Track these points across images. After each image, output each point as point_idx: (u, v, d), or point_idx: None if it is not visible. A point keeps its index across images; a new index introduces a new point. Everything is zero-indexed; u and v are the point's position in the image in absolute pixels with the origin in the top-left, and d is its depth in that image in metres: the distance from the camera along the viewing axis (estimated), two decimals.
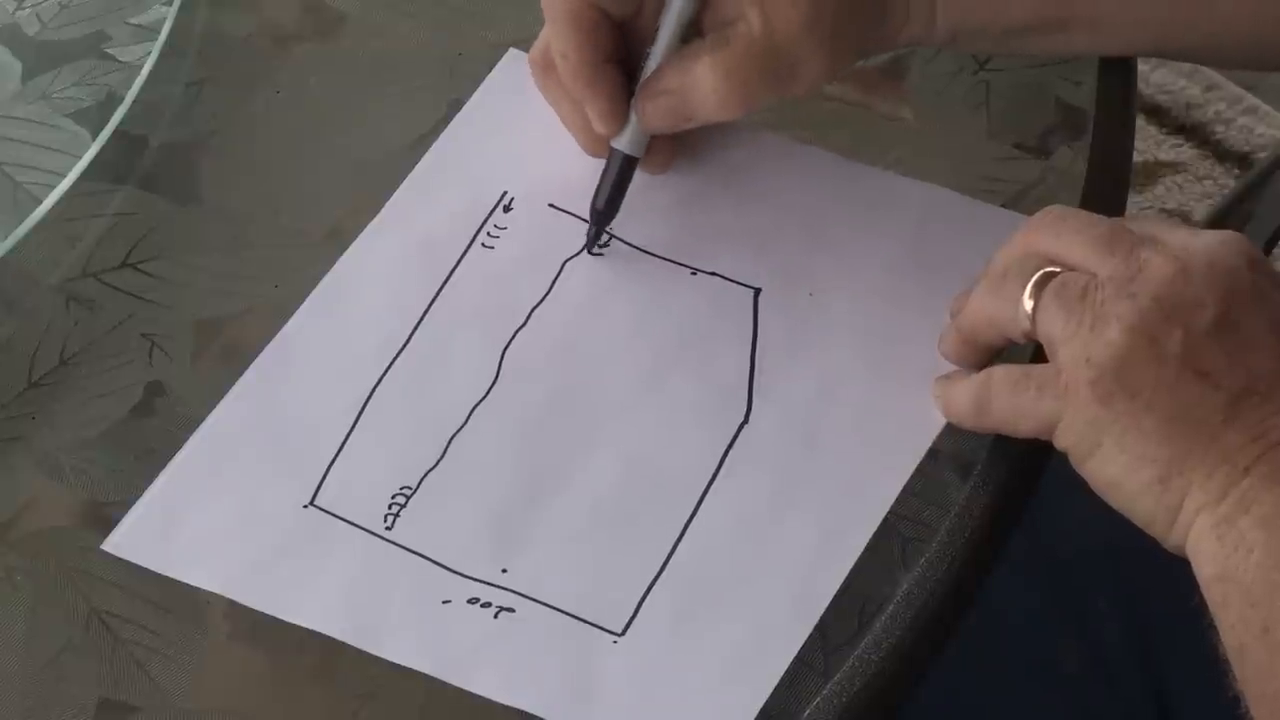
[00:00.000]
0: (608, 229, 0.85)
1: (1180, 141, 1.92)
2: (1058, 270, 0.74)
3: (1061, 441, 0.73)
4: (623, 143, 0.83)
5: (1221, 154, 1.91)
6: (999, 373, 0.76)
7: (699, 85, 0.80)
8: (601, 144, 0.84)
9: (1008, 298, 0.75)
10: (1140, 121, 1.86)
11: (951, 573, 0.75)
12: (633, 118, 0.83)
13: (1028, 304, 0.74)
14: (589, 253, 0.85)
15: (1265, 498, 0.69)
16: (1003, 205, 0.85)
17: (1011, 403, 0.74)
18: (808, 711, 0.72)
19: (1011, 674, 0.93)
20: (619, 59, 0.83)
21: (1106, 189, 0.86)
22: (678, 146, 0.86)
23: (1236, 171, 1.89)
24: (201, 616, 0.77)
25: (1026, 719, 0.93)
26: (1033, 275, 0.74)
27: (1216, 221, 1.55)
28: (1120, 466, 0.72)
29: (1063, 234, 0.75)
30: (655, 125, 0.83)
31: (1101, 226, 0.75)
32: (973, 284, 0.78)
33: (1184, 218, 1.86)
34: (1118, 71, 0.89)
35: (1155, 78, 1.93)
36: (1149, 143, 1.91)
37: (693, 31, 0.82)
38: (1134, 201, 1.85)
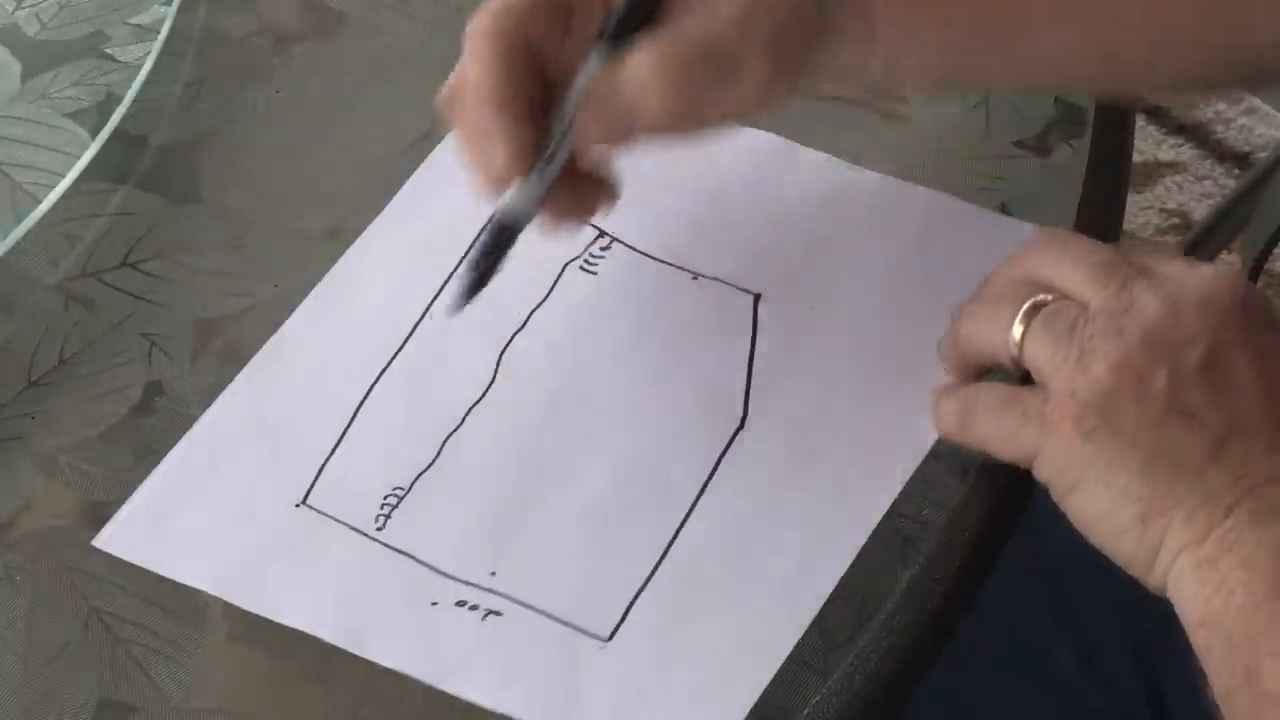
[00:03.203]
0: (607, 233, 0.85)
1: (1180, 141, 1.92)
2: (1050, 299, 0.74)
3: (1042, 473, 0.73)
4: (512, 205, 0.76)
5: (1221, 154, 1.91)
6: (987, 390, 0.75)
7: (639, 84, 0.75)
8: (513, 177, 0.76)
9: (999, 322, 0.75)
10: (1140, 121, 1.86)
11: (951, 573, 0.75)
12: (526, 181, 0.76)
13: (1017, 331, 0.74)
14: (452, 315, 0.79)
15: (1247, 538, 0.69)
16: (1002, 203, 0.85)
17: (995, 423, 0.74)
18: (807, 711, 0.72)
19: (1008, 674, 0.93)
20: (533, 101, 0.76)
21: (1106, 188, 0.86)
22: (587, 205, 0.80)
23: (1236, 171, 1.89)
24: (201, 616, 0.77)
25: (1025, 718, 0.93)
26: (1025, 302, 0.74)
27: (1217, 221, 1.56)
28: (1102, 503, 0.71)
29: (1060, 261, 0.75)
30: (597, 137, 0.77)
31: (1099, 255, 0.74)
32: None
33: (1184, 218, 1.86)
34: None
35: None
36: (1149, 143, 1.91)
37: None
38: (1134, 201, 1.85)
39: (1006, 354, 0.75)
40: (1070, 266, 0.74)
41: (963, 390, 0.76)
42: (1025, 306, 0.74)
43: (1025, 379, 0.75)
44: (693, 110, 0.77)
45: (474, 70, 0.76)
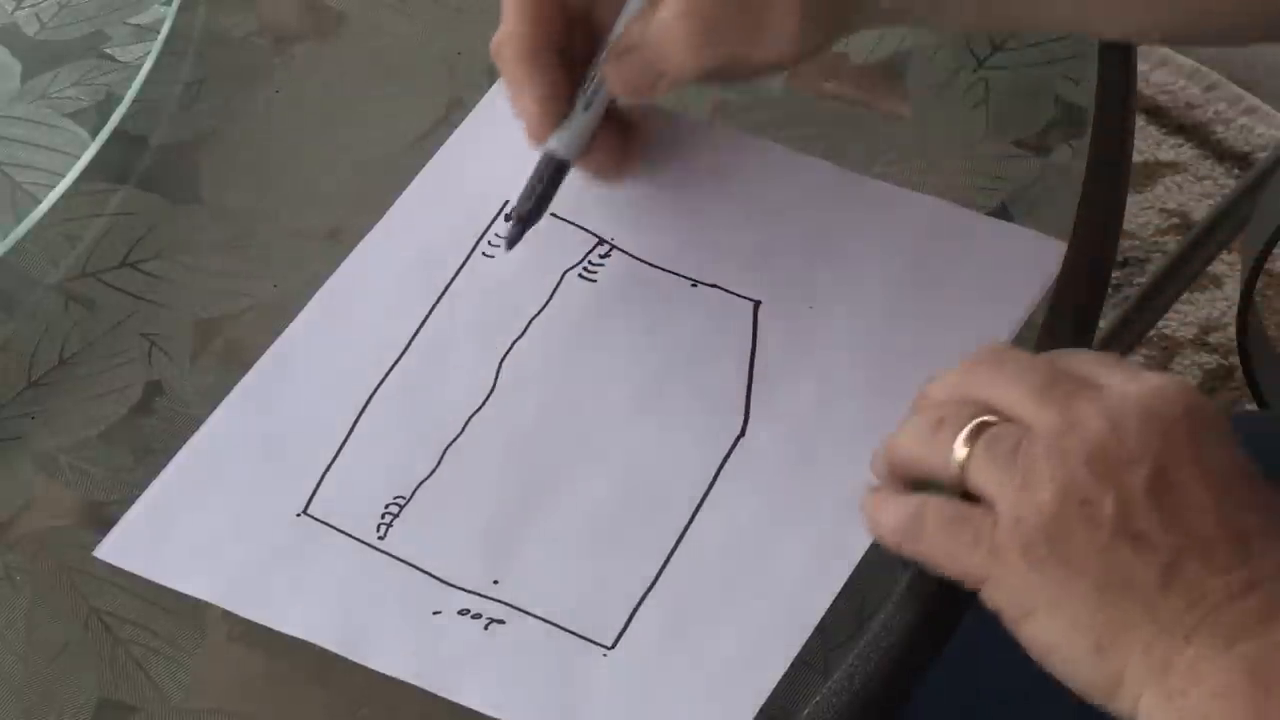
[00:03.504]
0: (606, 240, 0.85)
1: (1180, 141, 1.92)
2: (993, 420, 0.72)
3: (991, 601, 0.71)
4: (555, 144, 0.81)
5: (1221, 154, 1.91)
6: (935, 505, 0.72)
7: (665, 34, 0.77)
8: (543, 124, 0.81)
9: (939, 444, 0.72)
10: (1140, 121, 1.86)
11: None
12: (568, 122, 0.81)
13: (960, 453, 0.71)
14: (506, 251, 0.83)
15: (1215, 667, 0.67)
16: (1002, 203, 0.85)
17: (943, 542, 0.72)
18: (807, 710, 0.72)
19: (1009, 672, 0.93)
20: (569, 54, 0.81)
21: (1106, 188, 0.86)
22: (631, 153, 0.84)
23: (1236, 171, 1.89)
24: (201, 617, 0.77)
25: (1025, 716, 0.93)
26: (966, 424, 0.72)
27: (1217, 221, 1.55)
28: (1054, 634, 0.69)
29: (997, 381, 0.72)
30: (626, 89, 0.80)
31: (1037, 375, 0.72)
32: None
33: (1184, 218, 1.86)
34: (1118, 68, 0.89)
35: (1155, 78, 1.93)
36: (1149, 143, 1.91)
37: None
38: (1134, 201, 1.85)
39: (947, 473, 0.72)
40: (1008, 387, 0.72)
41: (908, 500, 0.73)
42: (968, 429, 0.71)
43: (964, 494, 0.72)
44: (721, 62, 0.78)
45: (507, 23, 0.80)
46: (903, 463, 0.74)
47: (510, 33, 0.81)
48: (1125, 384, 0.71)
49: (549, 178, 0.82)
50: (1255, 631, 0.67)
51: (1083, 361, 0.73)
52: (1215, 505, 0.69)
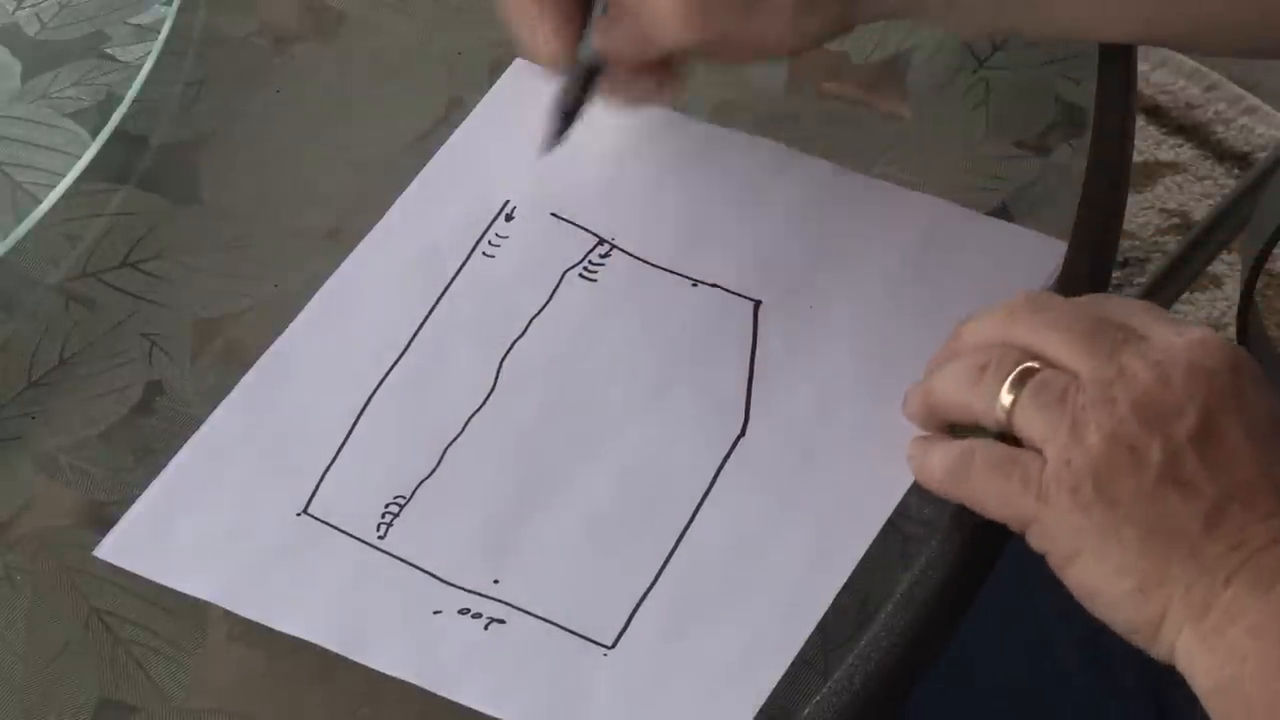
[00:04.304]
0: (606, 240, 0.85)
1: (1180, 141, 1.92)
2: (1037, 366, 0.73)
3: (1037, 543, 0.73)
4: (585, 54, 0.82)
5: (1221, 154, 1.91)
6: (983, 450, 0.74)
7: (658, 2, 0.78)
8: (557, 54, 0.82)
9: (985, 390, 0.74)
10: (1140, 121, 1.86)
11: (952, 571, 0.75)
12: (590, 30, 0.81)
13: (1005, 399, 0.73)
14: (543, 153, 0.84)
15: (1252, 606, 0.69)
16: (1002, 203, 0.85)
17: (991, 486, 0.73)
18: (807, 710, 0.72)
19: (1009, 672, 0.93)
20: None
21: (1106, 188, 0.86)
22: (667, 74, 0.84)
23: (1236, 171, 1.89)
24: (201, 617, 0.77)
25: (1025, 716, 0.93)
26: (1011, 370, 0.73)
27: (1217, 221, 1.55)
28: (1099, 576, 0.71)
29: (1040, 328, 0.74)
30: (618, 52, 0.81)
31: (1082, 324, 0.74)
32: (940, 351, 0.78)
33: (1184, 218, 1.86)
34: (1118, 69, 0.89)
35: (1155, 78, 1.93)
36: (1149, 143, 1.91)
37: None
38: (1134, 201, 1.85)
39: (992, 419, 0.74)
40: (1053, 335, 0.74)
41: (957, 444, 0.75)
42: (1013, 375, 0.73)
43: (1003, 437, 0.74)
44: (712, 37, 0.79)
45: None
46: (944, 406, 0.76)
47: None
48: (1171, 336, 0.73)
49: (585, 84, 0.82)
50: None
51: (1127, 310, 0.75)
52: (1258, 455, 0.71)
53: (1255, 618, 0.69)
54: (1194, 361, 0.72)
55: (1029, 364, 0.73)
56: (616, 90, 0.84)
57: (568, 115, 0.83)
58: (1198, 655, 0.70)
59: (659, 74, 0.83)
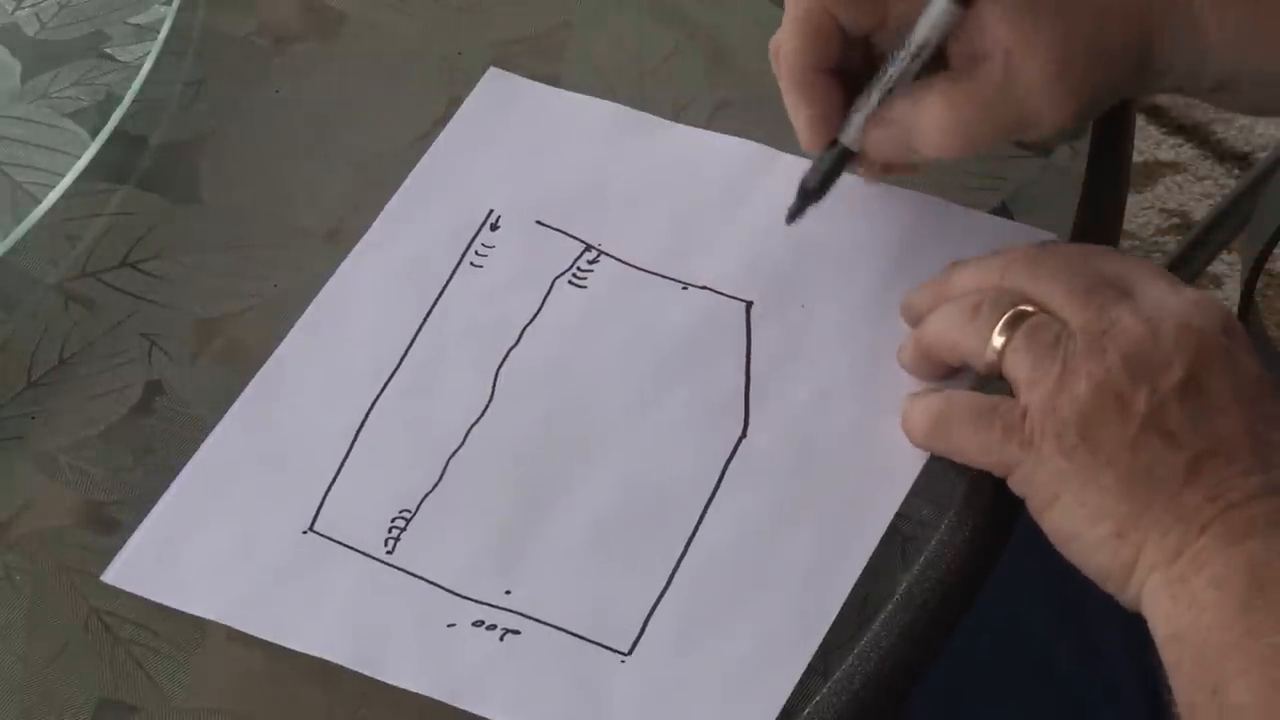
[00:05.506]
0: (593, 246, 0.85)
1: (1180, 141, 1.92)
2: (1031, 310, 0.74)
3: (1019, 488, 0.73)
4: (844, 139, 0.81)
5: (1221, 154, 1.91)
6: (960, 399, 0.75)
7: (925, 120, 0.78)
8: (811, 143, 0.81)
9: (977, 330, 0.75)
10: (1140, 121, 1.86)
11: (951, 572, 0.75)
12: (855, 115, 0.80)
13: (997, 340, 0.74)
14: (787, 223, 0.83)
15: (1218, 558, 0.69)
16: (1003, 203, 0.85)
17: (972, 435, 0.74)
18: (807, 710, 0.72)
19: (1008, 672, 0.93)
20: (847, 68, 0.80)
21: (1106, 188, 0.86)
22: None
23: (1236, 171, 1.89)
24: (201, 617, 0.77)
25: (1023, 715, 0.93)
26: (1005, 312, 0.74)
27: (1217, 221, 1.55)
28: (1078, 520, 0.72)
29: (1038, 275, 0.75)
30: (879, 153, 0.80)
31: (1081, 277, 0.75)
32: (929, 283, 0.79)
33: (1184, 217, 1.86)
34: None
35: None
36: (1149, 143, 1.91)
37: (938, 63, 0.79)
38: (1134, 201, 1.85)
39: (982, 360, 0.75)
40: (1051, 284, 0.75)
41: (933, 397, 0.76)
42: (1007, 316, 0.74)
43: (986, 381, 0.75)
44: (976, 150, 0.80)
45: (786, 37, 0.80)
46: (935, 345, 0.77)
47: (787, 48, 0.80)
48: (1167, 293, 0.74)
49: (835, 163, 0.81)
50: (1265, 533, 0.69)
51: (1125, 266, 0.76)
52: (1242, 414, 0.71)
53: (1219, 568, 0.69)
54: (1186, 319, 0.73)
55: (1023, 307, 0.74)
56: (869, 172, 0.84)
57: (815, 192, 0.82)
58: (1161, 600, 0.70)
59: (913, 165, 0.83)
